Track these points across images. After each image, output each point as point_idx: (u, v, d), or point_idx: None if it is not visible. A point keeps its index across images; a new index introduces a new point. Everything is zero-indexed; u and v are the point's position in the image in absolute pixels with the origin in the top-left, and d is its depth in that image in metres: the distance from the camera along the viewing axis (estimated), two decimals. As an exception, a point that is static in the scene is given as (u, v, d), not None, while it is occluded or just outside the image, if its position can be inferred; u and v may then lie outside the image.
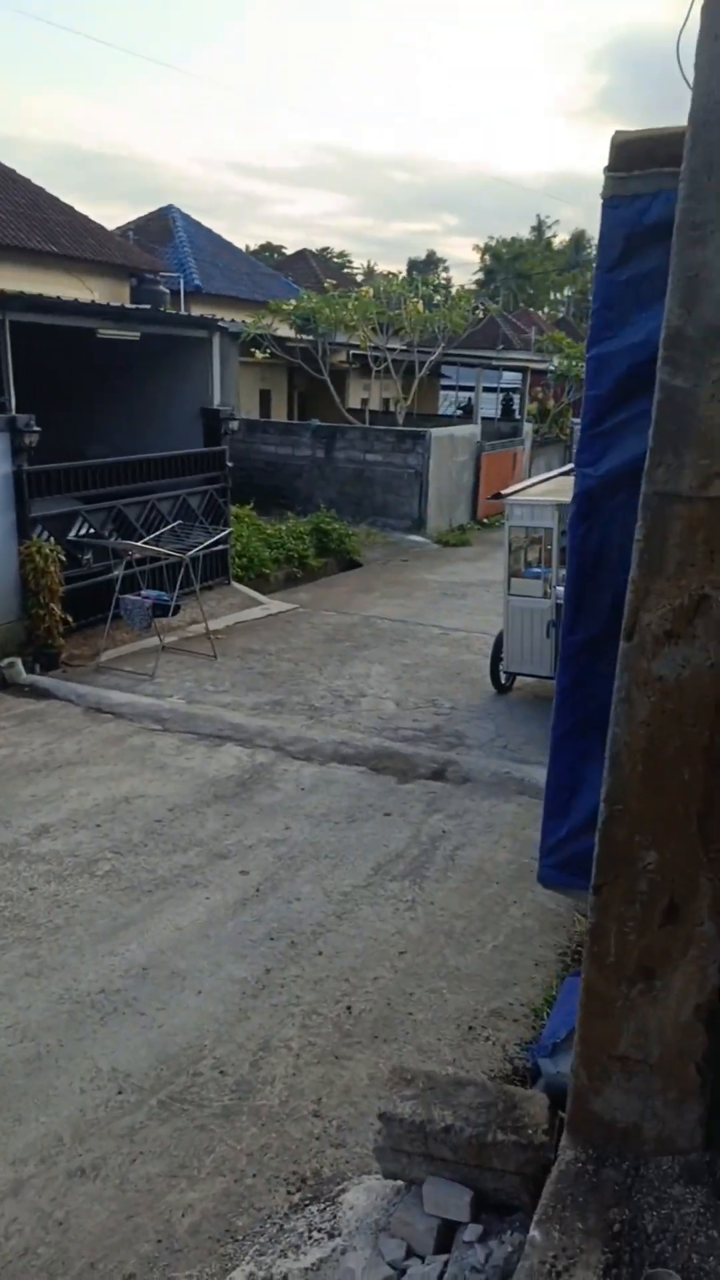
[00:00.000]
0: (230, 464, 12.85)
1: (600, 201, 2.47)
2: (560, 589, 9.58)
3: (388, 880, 5.85)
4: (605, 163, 2.39)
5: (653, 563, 2.30)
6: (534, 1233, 2.50)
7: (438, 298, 22.79)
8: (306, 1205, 3.26)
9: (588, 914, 2.64)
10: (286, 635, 11.58)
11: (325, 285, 21.45)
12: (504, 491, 9.87)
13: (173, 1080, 3.96)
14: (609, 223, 2.51)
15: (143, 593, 10.39)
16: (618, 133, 2.41)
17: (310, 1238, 3.06)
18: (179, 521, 11.67)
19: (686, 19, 2.04)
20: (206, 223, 23.81)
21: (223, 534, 12.16)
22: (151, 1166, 3.50)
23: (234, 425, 12.84)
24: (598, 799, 3.51)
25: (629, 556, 3.04)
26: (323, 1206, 3.24)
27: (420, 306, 19.61)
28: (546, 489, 10.19)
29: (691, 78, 2.06)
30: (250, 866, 5.90)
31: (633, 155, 2.41)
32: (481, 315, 23.33)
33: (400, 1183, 3.17)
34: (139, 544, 10.54)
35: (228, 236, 23.53)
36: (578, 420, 29.43)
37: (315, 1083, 3.99)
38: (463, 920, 5.46)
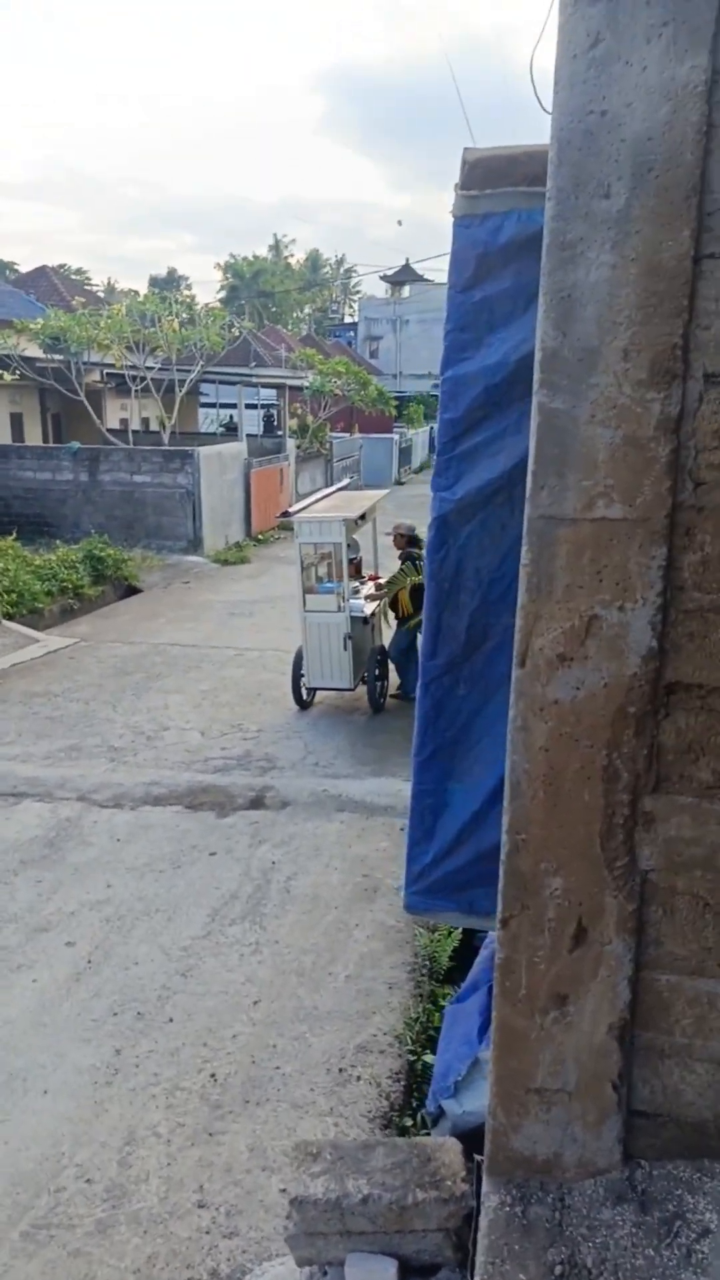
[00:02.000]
0: (-10, 494, 11.82)
1: (451, 221, 2.39)
2: (354, 601, 9.65)
3: (227, 925, 5.54)
4: (455, 180, 2.31)
5: (541, 586, 2.23)
6: (479, 1296, 2.36)
7: (183, 314, 22.42)
8: (211, 1315, 2.93)
9: (496, 949, 2.55)
10: (71, 672, 10.83)
11: (74, 303, 20.42)
12: (290, 510, 9.80)
13: (33, 1204, 3.44)
14: (461, 242, 2.44)
15: None
16: (467, 150, 2.34)
17: None
18: (-62, 560, 10.57)
19: (540, 37, 1.99)
20: (-70, 235, 21.90)
21: (-11, 570, 11.16)
22: (23, 1317, 3.01)
23: (-9, 452, 11.80)
24: (462, 821, 3.47)
25: (485, 580, 3.02)
26: (229, 1312, 2.93)
27: (177, 324, 19.16)
28: (330, 504, 10.26)
29: (549, 100, 2.02)
30: (76, 936, 5.36)
31: (485, 173, 2.35)
32: (237, 333, 23.24)
33: (310, 1268, 2.93)
34: None
35: (-48, 251, 21.75)
36: (337, 435, 30.22)
37: (193, 1168, 3.63)
38: (310, 954, 5.27)
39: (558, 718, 2.32)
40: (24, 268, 47.73)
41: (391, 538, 10.55)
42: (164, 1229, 3.33)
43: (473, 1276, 2.57)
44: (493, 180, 2.34)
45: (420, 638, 9.76)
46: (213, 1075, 4.20)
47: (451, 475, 2.74)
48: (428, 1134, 3.60)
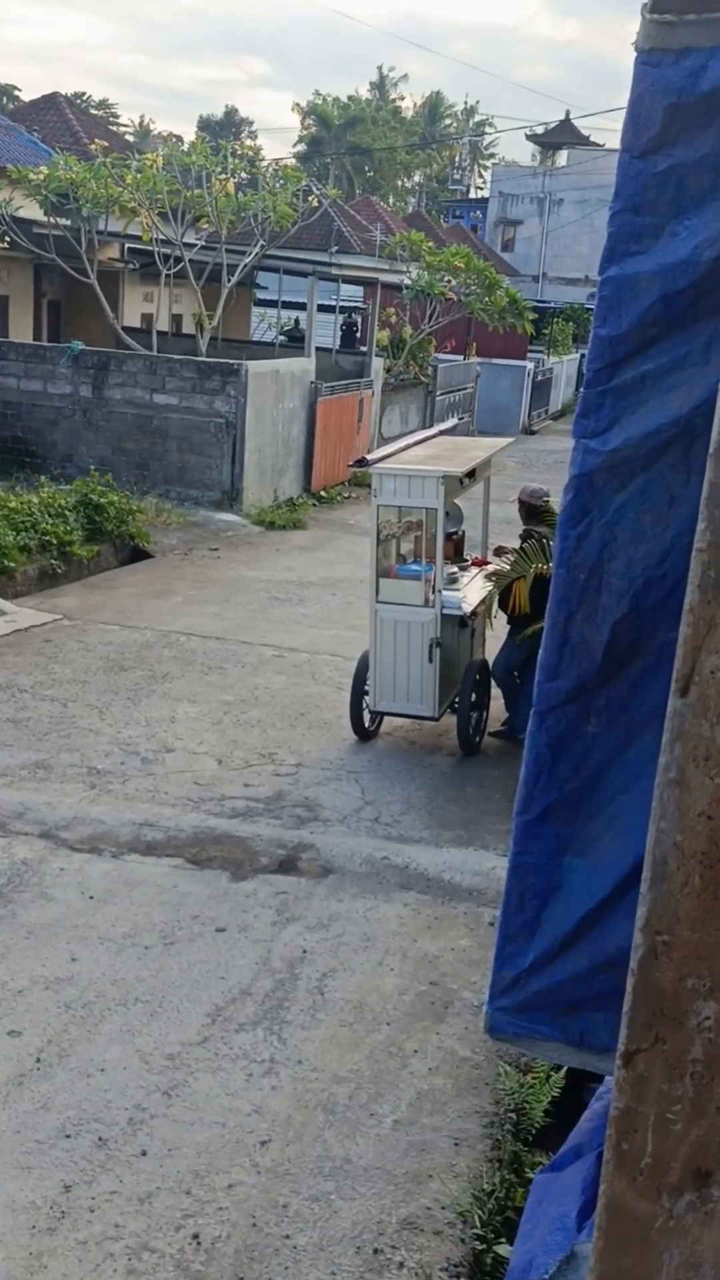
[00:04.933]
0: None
1: (634, 56, 2.42)
2: (449, 594, 9.70)
3: (232, 1031, 5.66)
4: (645, -1, 2.33)
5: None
6: None
7: (243, 173, 22.82)
8: None
9: (614, 1096, 2.56)
10: (46, 661, 11.13)
11: (92, 148, 20.99)
12: (370, 457, 9.91)
13: None
14: (646, 86, 2.46)
15: None
16: (665, -46, 2.37)
17: None
18: None
19: None
20: None
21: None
22: None
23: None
24: (581, 912, 3.49)
25: (639, 575, 3.02)
26: None
27: (232, 187, 19.51)
28: (427, 454, 10.34)
29: None
30: (23, 1024, 5.54)
31: (689, -11, 2.37)
32: (316, 204, 23.56)
33: None
34: None
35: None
36: (445, 357, 30.32)
37: None
38: (346, 1085, 5.34)
39: (731, 771, 2.32)
40: (28, 95, 49.08)
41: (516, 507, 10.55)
42: None
43: None
44: (700, 1, 2.37)
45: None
46: (195, 1236, 4.29)
47: (604, 416, 2.76)
48: None
